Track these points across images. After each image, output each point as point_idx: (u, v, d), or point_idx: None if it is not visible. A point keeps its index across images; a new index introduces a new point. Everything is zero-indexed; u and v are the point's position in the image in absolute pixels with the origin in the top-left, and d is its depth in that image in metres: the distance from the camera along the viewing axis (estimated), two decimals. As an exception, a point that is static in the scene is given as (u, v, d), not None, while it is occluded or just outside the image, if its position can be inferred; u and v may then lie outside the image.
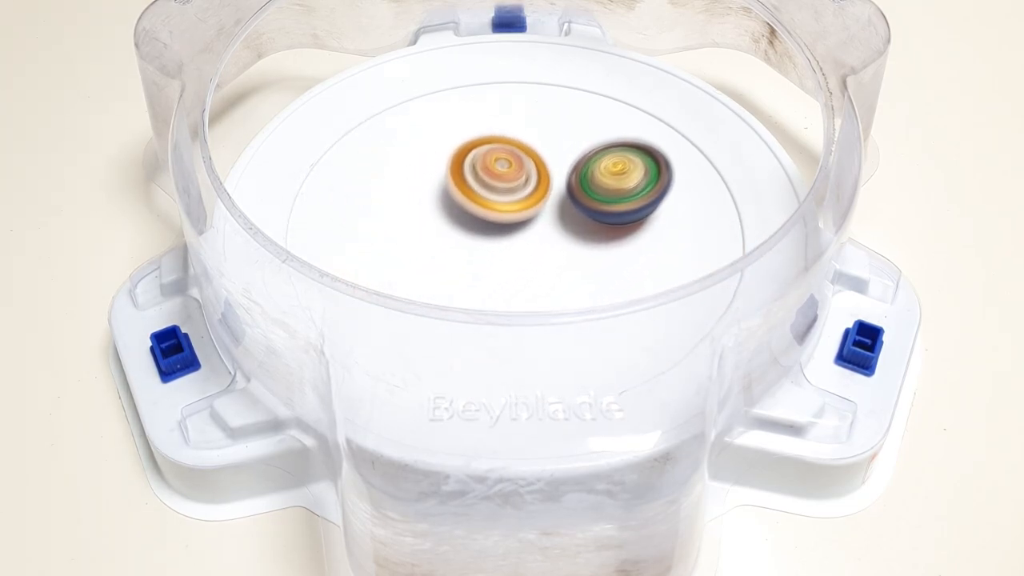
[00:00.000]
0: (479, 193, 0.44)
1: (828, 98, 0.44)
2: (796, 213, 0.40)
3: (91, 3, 0.60)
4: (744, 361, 0.39)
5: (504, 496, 0.36)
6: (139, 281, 0.45)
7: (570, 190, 0.45)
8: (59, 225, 0.51)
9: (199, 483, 0.41)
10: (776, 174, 0.47)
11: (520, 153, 0.45)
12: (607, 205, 0.44)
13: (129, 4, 0.50)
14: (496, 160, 0.44)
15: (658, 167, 0.44)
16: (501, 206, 0.44)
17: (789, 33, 0.47)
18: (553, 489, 0.36)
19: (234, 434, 0.41)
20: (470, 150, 0.45)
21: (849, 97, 0.43)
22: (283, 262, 0.39)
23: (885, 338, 0.43)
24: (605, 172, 0.44)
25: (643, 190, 0.44)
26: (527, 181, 0.45)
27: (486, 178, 0.44)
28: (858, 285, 0.45)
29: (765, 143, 0.48)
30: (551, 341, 0.40)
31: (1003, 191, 0.52)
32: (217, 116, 0.53)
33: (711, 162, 0.48)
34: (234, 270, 0.40)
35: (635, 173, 0.44)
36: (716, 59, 0.53)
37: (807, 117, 0.53)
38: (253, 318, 0.39)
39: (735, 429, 0.41)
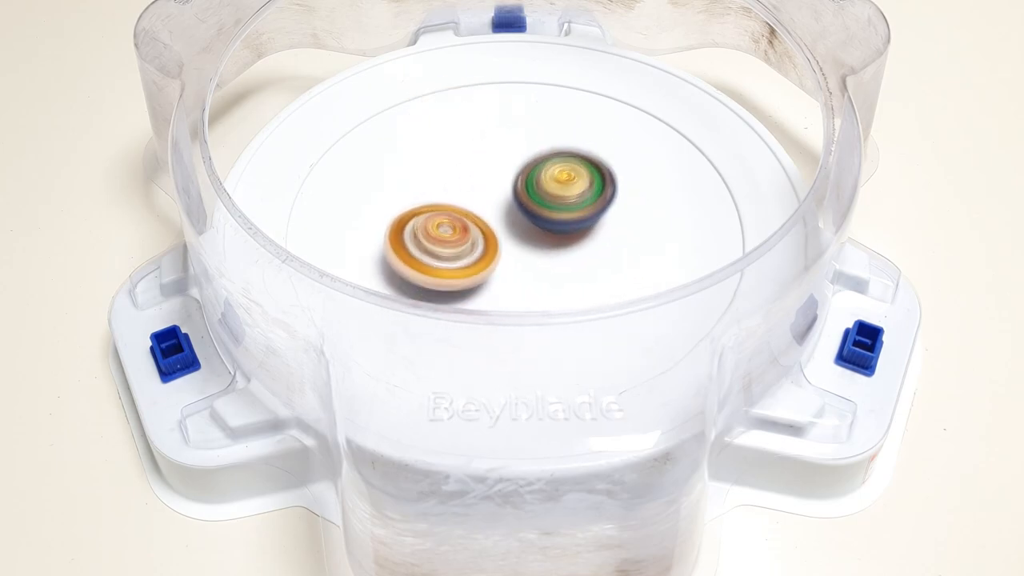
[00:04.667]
0: (421, 260, 0.42)
1: (828, 98, 0.44)
2: (796, 213, 0.40)
3: (91, 3, 0.60)
4: (744, 361, 0.39)
5: (504, 496, 0.36)
6: (139, 281, 0.45)
7: (516, 193, 0.45)
8: (59, 225, 0.51)
9: (199, 483, 0.41)
10: (776, 174, 0.47)
11: (464, 220, 0.44)
12: (549, 212, 0.44)
13: (129, 4, 0.50)
14: (438, 225, 0.43)
15: (603, 180, 0.45)
16: (445, 272, 0.42)
17: (789, 33, 0.47)
18: (553, 489, 0.36)
19: (234, 434, 0.41)
20: (409, 219, 0.43)
21: (849, 97, 0.43)
22: (283, 262, 0.39)
23: (885, 338, 0.43)
24: (550, 179, 0.44)
25: (586, 202, 0.44)
26: (473, 246, 0.43)
27: (428, 244, 0.42)
28: (858, 285, 0.45)
29: (765, 143, 0.48)
30: (551, 341, 0.40)
31: (1003, 191, 0.52)
32: (217, 116, 0.53)
33: (711, 162, 0.48)
34: (234, 270, 0.40)
35: (580, 183, 0.44)
36: (716, 59, 0.53)
37: (807, 117, 0.53)
38: (253, 318, 0.39)
39: (735, 429, 0.41)
